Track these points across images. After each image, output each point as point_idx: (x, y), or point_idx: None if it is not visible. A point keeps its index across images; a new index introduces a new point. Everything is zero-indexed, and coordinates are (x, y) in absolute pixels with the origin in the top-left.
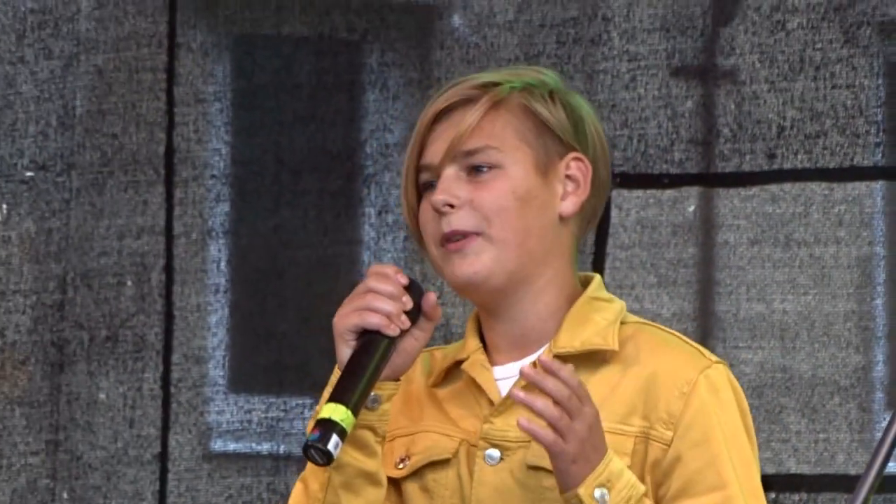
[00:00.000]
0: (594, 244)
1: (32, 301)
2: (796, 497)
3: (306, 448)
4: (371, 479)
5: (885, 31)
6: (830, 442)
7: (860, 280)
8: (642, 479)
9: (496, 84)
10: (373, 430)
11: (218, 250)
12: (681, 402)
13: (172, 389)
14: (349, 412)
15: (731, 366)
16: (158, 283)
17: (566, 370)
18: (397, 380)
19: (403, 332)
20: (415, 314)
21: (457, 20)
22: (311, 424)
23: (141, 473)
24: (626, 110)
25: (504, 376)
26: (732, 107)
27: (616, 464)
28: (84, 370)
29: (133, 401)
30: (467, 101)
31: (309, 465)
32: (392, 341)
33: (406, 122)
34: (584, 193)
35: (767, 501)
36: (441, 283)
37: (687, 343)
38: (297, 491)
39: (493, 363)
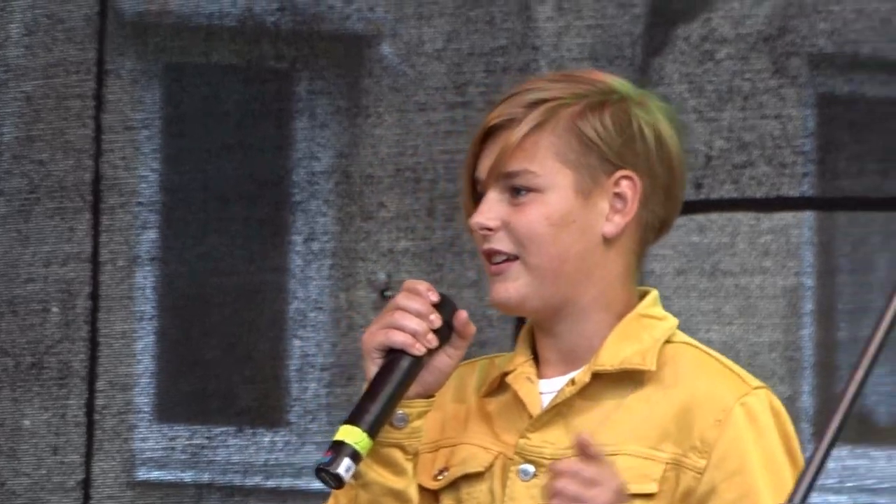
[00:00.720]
0: None
1: None
2: None
3: (317, 471)
4: (399, 496)
5: (814, 62)
6: None
7: (786, 310)
8: None
9: (545, 101)
10: (401, 447)
11: (144, 277)
12: (716, 430)
13: (97, 416)
14: (364, 434)
15: None
16: (84, 310)
17: (570, 464)
18: (430, 396)
19: (432, 350)
20: (445, 331)
21: (385, 49)
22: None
23: (64, 500)
24: None
25: (550, 390)
26: None
27: None
28: (8, 396)
29: (57, 427)
30: (514, 120)
31: None
32: (418, 360)
33: (333, 149)
34: (630, 213)
35: None
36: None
37: (728, 368)
38: None
39: (541, 376)
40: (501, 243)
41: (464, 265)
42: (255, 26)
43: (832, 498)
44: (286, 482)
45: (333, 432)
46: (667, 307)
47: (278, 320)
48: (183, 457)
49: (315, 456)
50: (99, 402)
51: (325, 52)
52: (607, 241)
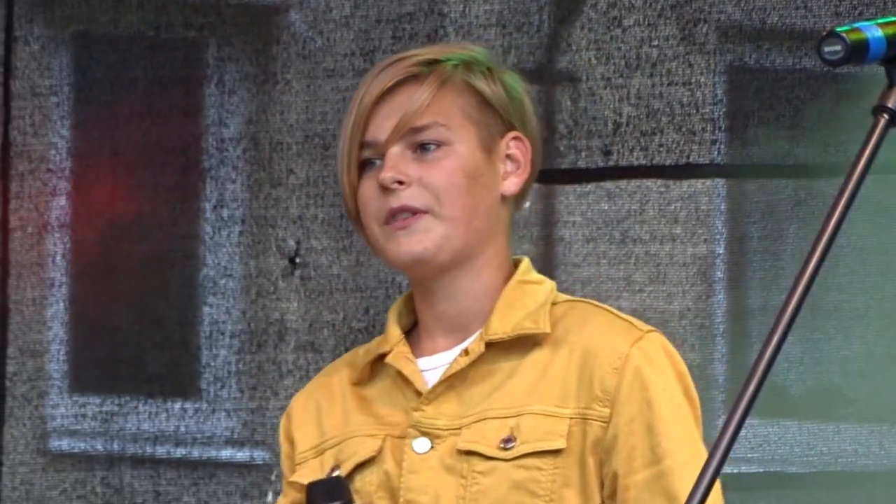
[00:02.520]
0: None
1: None
2: None
3: None
4: None
5: (722, 29)
6: None
7: (696, 278)
8: (584, 462)
9: (439, 61)
10: None
11: (54, 244)
12: (614, 377)
13: (7, 383)
14: None
15: None
16: None
17: None
18: None
19: None
20: None
21: (293, 15)
22: None
23: None
24: None
25: (430, 367)
26: (569, 103)
27: None
28: None
29: None
30: (414, 78)
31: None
32: None
33: (242, 116)
34: (526, 173)
35: None
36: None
37: (618, 316)
38: None
39: (420, 351)
40: (413, 199)
41: None
42: None
43: (744, 467)
44: (196, 451)
45: (242, 399)
46: (576, 275)
47: (188, 287)
48: (94, 423)
49: (224, 423)
50: (9, 368)
51: (234, 18)
52: (504, 199)
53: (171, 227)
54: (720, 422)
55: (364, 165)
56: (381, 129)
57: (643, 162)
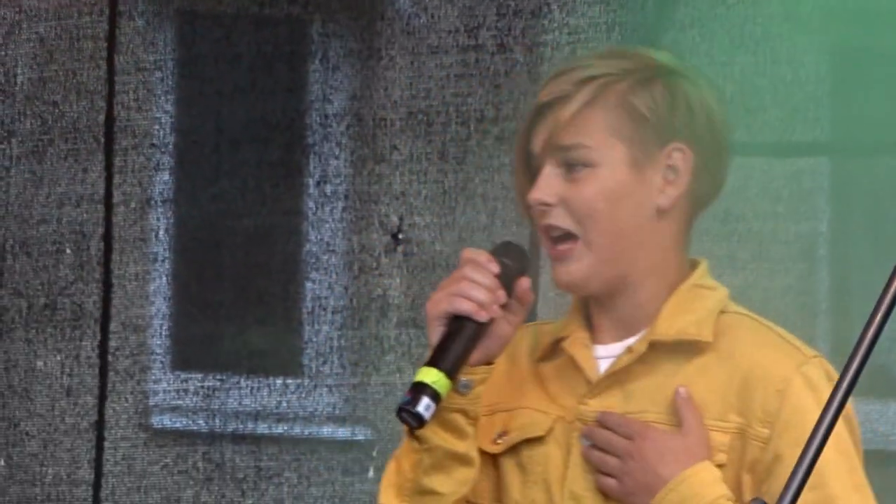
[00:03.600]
0: None
1: None
2: None
3: (399, 411)
4: (462, 459)
5: (826, 8)
6: None
7: (799, 255)
8: (739, 477)
9: (595, 78)
10: (464, 412)
11: (157, 219)
12: (777, 400)
13: (110, 358)
14: (442, 374)
15: None
16: (97, 252)
17: (611, 418)
18: (490, 363)
19: (494, 318)
20: (510, 292)
21: None
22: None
23: (77, 441)
24: None
25: (605, 355)
26: None
27: (686, 489)
28: (22, 337)
29: (70, 369)
30: (566, 97)
31: (403, 442)
32: (482, 326)
33: (346, 92)
34: (683, 185)
35: None
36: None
37: (783, 338)
38: (389, 469)
39: (595, 342)
40: (559, 219)
41: (475, 209)
42: None
43: None
44: (298, 427)
45: (344, 375)
46: None
47: (290, 263)
48: (196, 398)
49: (326, 399)
50: (112, 343)
51: None
52: (661, 212)
53: (274, 203)
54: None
55: (534, 173)
56: (537, 142)
57: (746, 139)
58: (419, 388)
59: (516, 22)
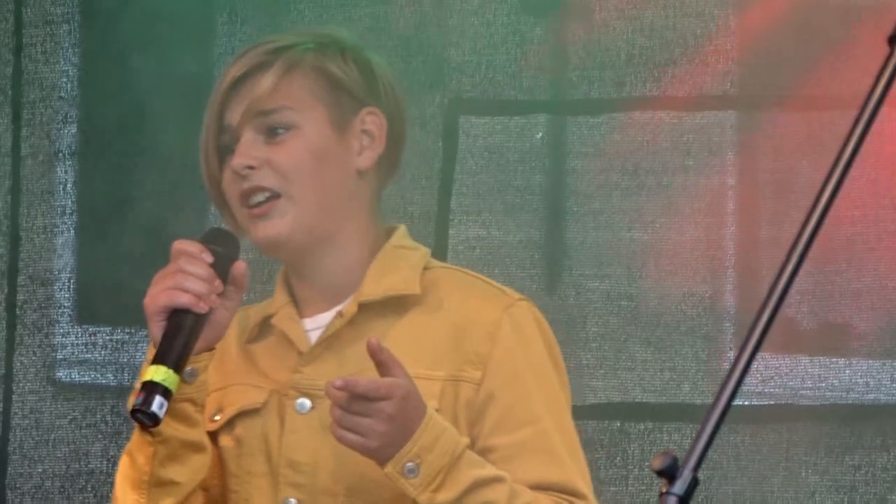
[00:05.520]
0: (440, 170)
1: None
2: (641, 426)
3: (133, 412)
4: (195, 447)
5: None
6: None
7: (708, 209)
8: (455, 421)
9: (290, 47)
10: (192, 401)
11: (65, 172)
12: (488, 342)
13: (18, 311)
14: (170, 371)
15: (578, 294)
16: (4, 205)
17: (350, 383)
18: (212, 349)
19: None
20: (224, 279)
21: None
22: (133, 392)
23: None
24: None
25: (313, 327)
26: (581, 35)
27: (428, 437)
28: None
29: None
30: (262, 66)
31: (134, 437)
32: (202, 317)
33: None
34: (380, 147)
35: (613, 430)
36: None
37: (490, 284)
38: (123, 464)
39: (302, 315)
40: (264, 180)
41: None
42: None
43: (755, 400)
44: None
45: None
46: (588, 206)
47: (197, 215)
48: (104, 352)
49: None
50: (20, 297)
51: None
52: (361, 174)
53: (183, 156)
54: (731, 354)
55: (225, 153)
56: (234, 114)
57: (656, 93)
58: (150, 388)
59: None
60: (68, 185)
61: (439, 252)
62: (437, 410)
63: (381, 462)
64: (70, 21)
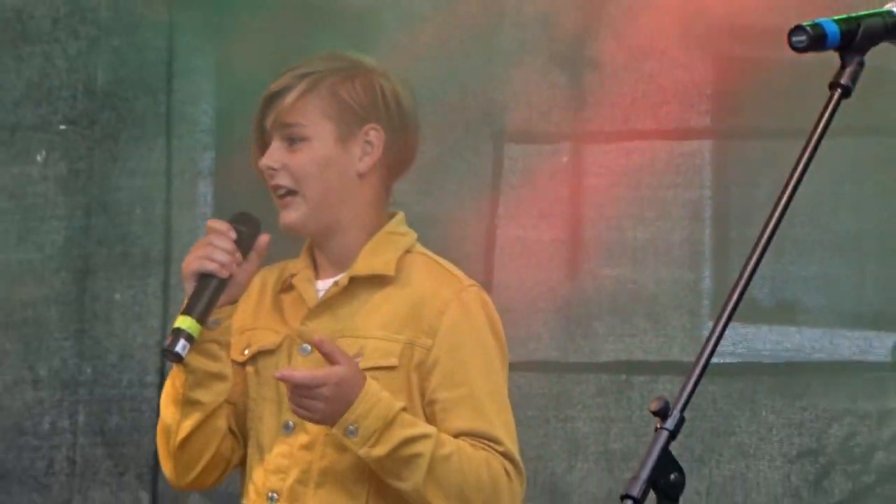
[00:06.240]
0: (490, 185)
1: (64, 224)
2: (642, 378)
3: (163, 352)
4: (218, 377)
5: (715, 27)
6: (668, 337)
7: (691, 215)
8: (409, 378)
9: (311, 73)
10: (217, 342)
11: (205, 187)
12: (438, 317)
13: (171, 292)
14: (194, 321)
15: (594, 279)
16: (162, 212)
17: (286, 375)
18: (234, 302)
19: (232, 273)
20: (246, 251)
21: None
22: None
23: (146, 355)
24: None
25: (323, 288)
26: (597, 81)
27: (363, 407)
28: (104, 277)
29: (140, 300)
30: (289, 87)
31: (173, 367)
32: (223, 280)
33: None
34: (376, 155)
35: (620, 381)
36: None
37: (448, 271)
38: (166, 386)
39: (318, 277)
40: (283, 179)
41: None
42: None
43: (728, 358)
44: None
45: None
46: (601, 212)
47: None
48: None
49: None
50: (172, 281)
51: None
52: (360, 176)
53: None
54: (709, 324)
55: (264, 149)
56: (268, 121)
57: (653, 126)
58: (177, 333)
59: None
60: (208, 198)
61: (488, 248)
62: (395, 367)
63: (329, 426)
64: (207, 71)
